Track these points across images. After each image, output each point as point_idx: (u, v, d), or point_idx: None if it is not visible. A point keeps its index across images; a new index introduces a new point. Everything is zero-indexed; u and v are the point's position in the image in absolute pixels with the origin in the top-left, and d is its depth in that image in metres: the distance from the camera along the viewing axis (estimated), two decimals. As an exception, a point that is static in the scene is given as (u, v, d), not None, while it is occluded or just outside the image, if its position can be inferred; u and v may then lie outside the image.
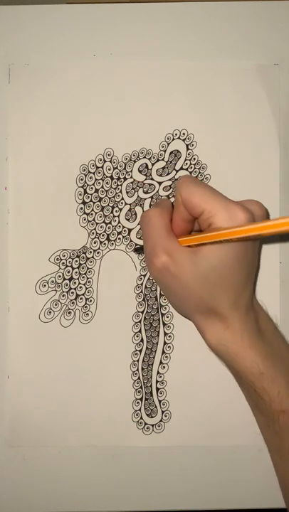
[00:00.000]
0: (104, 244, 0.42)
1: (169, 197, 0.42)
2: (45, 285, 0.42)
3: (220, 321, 0.36)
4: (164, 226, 0.35)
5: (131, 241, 0.42)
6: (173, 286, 0.35)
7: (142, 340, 0.43)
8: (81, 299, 0.42)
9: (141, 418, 0.42)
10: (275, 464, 0.38)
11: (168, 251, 0.34)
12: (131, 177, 0.42)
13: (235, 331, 0.35)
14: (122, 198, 0.42)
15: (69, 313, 0.42)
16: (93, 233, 0.42)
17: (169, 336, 0.43)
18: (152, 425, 0.42)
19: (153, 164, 0.42)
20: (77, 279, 0.42)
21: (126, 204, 0.42)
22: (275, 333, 0.38)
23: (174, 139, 0.42)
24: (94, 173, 0.42)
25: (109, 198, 0.42)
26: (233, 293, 0.35)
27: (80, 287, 0.42)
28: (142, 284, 0.42)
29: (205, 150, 0.42)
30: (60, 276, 0.42)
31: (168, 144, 0.42)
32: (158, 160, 0.42)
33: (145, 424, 0.42)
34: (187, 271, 0.34)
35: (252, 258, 0.36)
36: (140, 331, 0.42)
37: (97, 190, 0.42)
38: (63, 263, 0.42)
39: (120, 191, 0.42)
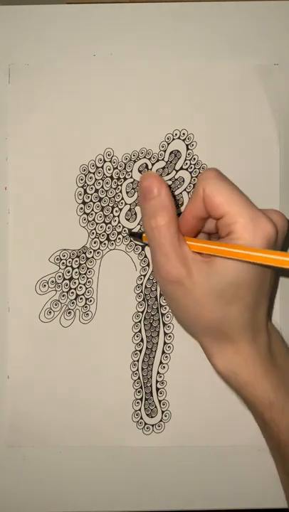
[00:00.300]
0: (104, 244, 0.42)
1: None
2: (45, 285, 0.42)
3: (230, 344, 0.32)
4: (175, 235, 0.31)
5: (131, 241, 0.42)
6: (184, 301, 0.31)
7: (142, 340, 0.43)
8: (81, 299, 0.42)
9: (141, 418, 0.42)
10: (283, 484, 0.36)
11: (183, 262, 0.31)
12: (131, 177, 0.42)
13: (246, 356, 0.32)
14: (122, 198, 0.42)
15: (69, 313, 0.42)
16: (93, 233, 0.42)
17: (169, 336, 0.43)
18: (152, 425, 0.42)
19: (153, 164, 0.42)
20: (77, 279, 0.42)
21: (126, 204, 0.42)
22: (287, 357, 0.35)
23: (174, 139, 0.42)
24: (94, 173, 0.42)
25: (109, 198, 0.42)
26: (248, 313, 0.31)
27: (80, 287, 0.42)
28: (142, 284, 0.42)
29: (205, 150, 0.42)
30: (60, 276, 0.42)
31: (168, 144, 0.42)
32: (158, 160, 0.42)
33: (145, 424, 0.42)
34: (202, 285, 0.30)
35: (270, 275, 0.32)
36: (140, 331, 0.43)
37: (97, 190, 0.42)
38: (63, 263, 0.42)
39: (120, 191, 0.42)
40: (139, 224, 0.42)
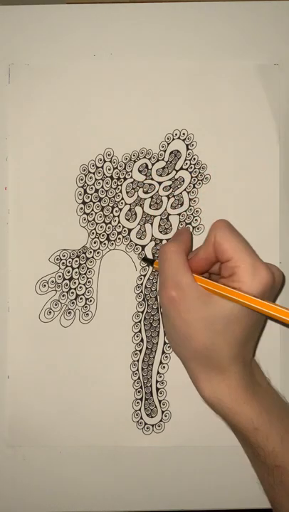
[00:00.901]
0: (104, 244, 0.42)
1: (168, 197, 0.42)
2: (45, 285, 0.42)
3: (216, 372, 0.35)
4: (181, 261, 0.35)
5: (131, 241, 0.42)
6: (178, 321, 0.35)
7: (142, 340, 0.43)
8: (81, 299, 0.42)
9: (141, 418, 0.42)
10: (274, 508, 0.37)
11: (182, 285, 0.35)
12: (131, 177, 0.42)
13: (230, 384, 0.35)
14: (122, 198, 0.42)
15: (69, 313, 0.42)
16: (93, 233, 0.42)
17: (169, 336, 0.43)
18: (152, 425, 0.42)
19: (153, 164, 0.42)
20: (77, 279, 0.42)
21: (126, 204, 0.42)
22: (268, 389, 0.37)
23: (174, 139, 0.42)
24: (94, 173, 0.42)
25: (109, 198, 0.42)
26: (236, 347, 0.34)
27: (80, 287, 0.42)
28: (142, 284, 0.42)
29: (205, 150, 0.42)
30: (60, 276, 0.42)
31: (168, 144, 0.42)
32: (158, 160, 0.42)
33: (145, 424, 0.42)
34: (196, 309, 0.34)
35: (262, 316, 0.36)
36: (140, 331, 0.42)
37: (97, 190, 0.42)
38: (63, 263, 0.42)
39: (120, 191, 0.42)
40: (138, 224, 0.42)
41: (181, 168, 0.42)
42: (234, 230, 0.35)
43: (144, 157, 0.42)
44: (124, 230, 0.42)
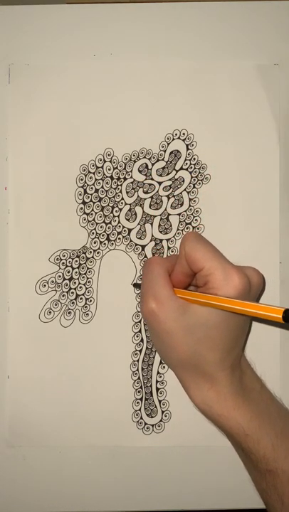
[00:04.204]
0: (104, 244, 0.42)
1: (168, 197, 0.42)
2: (45, 285, 0.42)
3: (204, 379, 0.36)
4: (161, 273, 0.36)
5: (131, 241, 0.42)
6: (159, 332, 0.35)
7: (142, 340, 0.43)
8: (81, 299, 0.42)
9: (141, 418, 0.42)
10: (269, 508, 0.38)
11: (160, 296, 0.35)
12: (131, 177, 0.42)
13: (219, 391, 0.35)
14: (122, 198, 0.42)
15: (69, 313, 0.42)
16: (93, 233, 0.42)
17: (169, 336, 0.43)
18: (152, 425, 0.42)
19: (153, 164, 0.42)
20: (77, 279, 0.42)
21: (126, 204, 0.42)
22: (261, 392, 0.37)
23: (174, 139, 0.42)
24: (94, 173, 0.42)
25: (109, 198, 0.42)
26: (219, 353, 0.35)
27: (80, 287, 0.42)
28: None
29: (205, 150, 0.42)
30: (60, 276, 0.42)
31: (168, 144, 0.42)
32: (158, 160, 0.42)
33: (145, 424, 0.42)
34: (175, 320, 0.34)
35: (243, 322, 0.36)
36: (140, 331, 0.42)
37: (97, 190, 0.42)
38: (63, 263, 0.42)
39: (120, 191, 0.42)
40: (138, 224, 0.42)
41: (181, 168, 0.42)
42: (203, 239, 0.36)
43: (144, 157, 0.42)
44: (124, 230, 0.42)
